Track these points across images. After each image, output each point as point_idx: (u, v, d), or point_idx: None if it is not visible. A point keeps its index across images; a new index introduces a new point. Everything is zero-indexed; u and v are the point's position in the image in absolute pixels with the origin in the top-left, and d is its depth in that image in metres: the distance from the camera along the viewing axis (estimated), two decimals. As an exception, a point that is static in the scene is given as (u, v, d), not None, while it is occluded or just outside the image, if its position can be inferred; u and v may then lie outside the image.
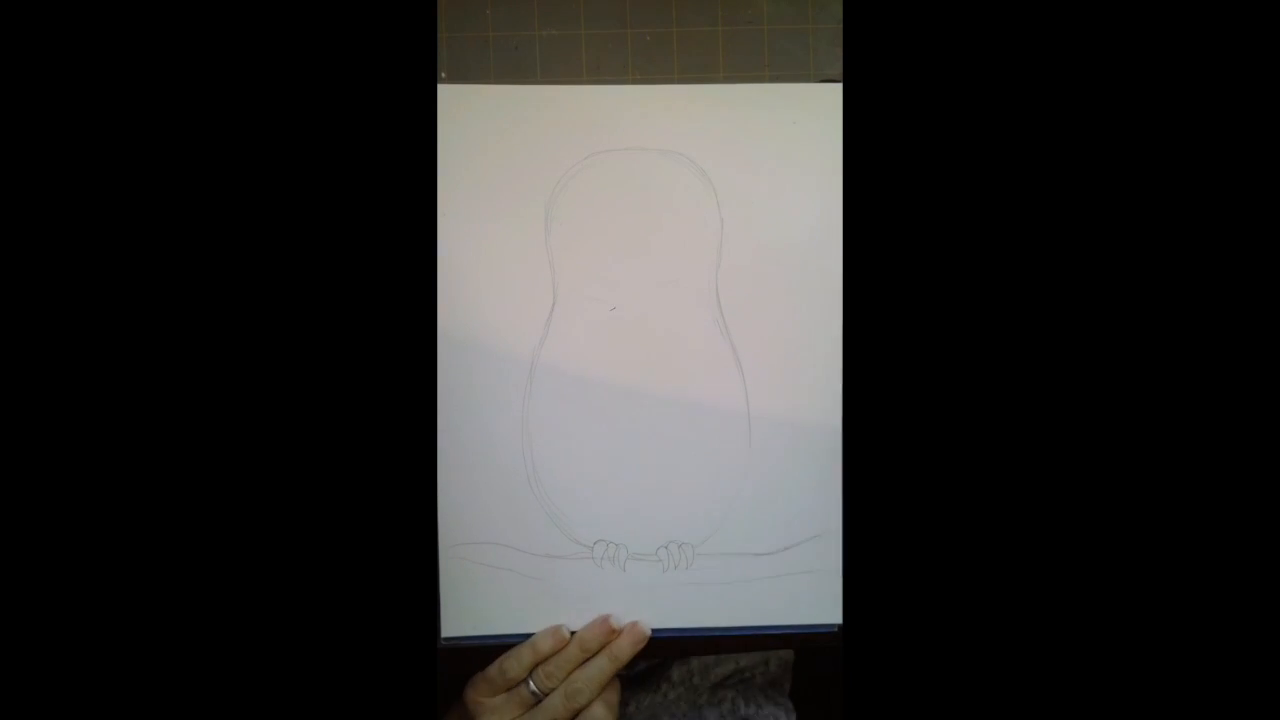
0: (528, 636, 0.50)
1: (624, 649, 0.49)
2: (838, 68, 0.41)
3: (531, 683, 0.48)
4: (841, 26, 0.38)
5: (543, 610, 0.50)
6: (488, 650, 0.50)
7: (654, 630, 0.50)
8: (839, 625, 0.48)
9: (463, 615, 0.50)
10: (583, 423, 0.49)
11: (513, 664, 0.48)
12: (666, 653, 0.53)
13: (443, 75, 0.47)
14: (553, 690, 0.48)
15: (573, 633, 0.49)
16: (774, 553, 0.50)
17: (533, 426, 0.49)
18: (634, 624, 0.49)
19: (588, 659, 0.48)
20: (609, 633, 0.49)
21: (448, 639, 0.50)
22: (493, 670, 0.49)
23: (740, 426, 0.49)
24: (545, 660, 0.48)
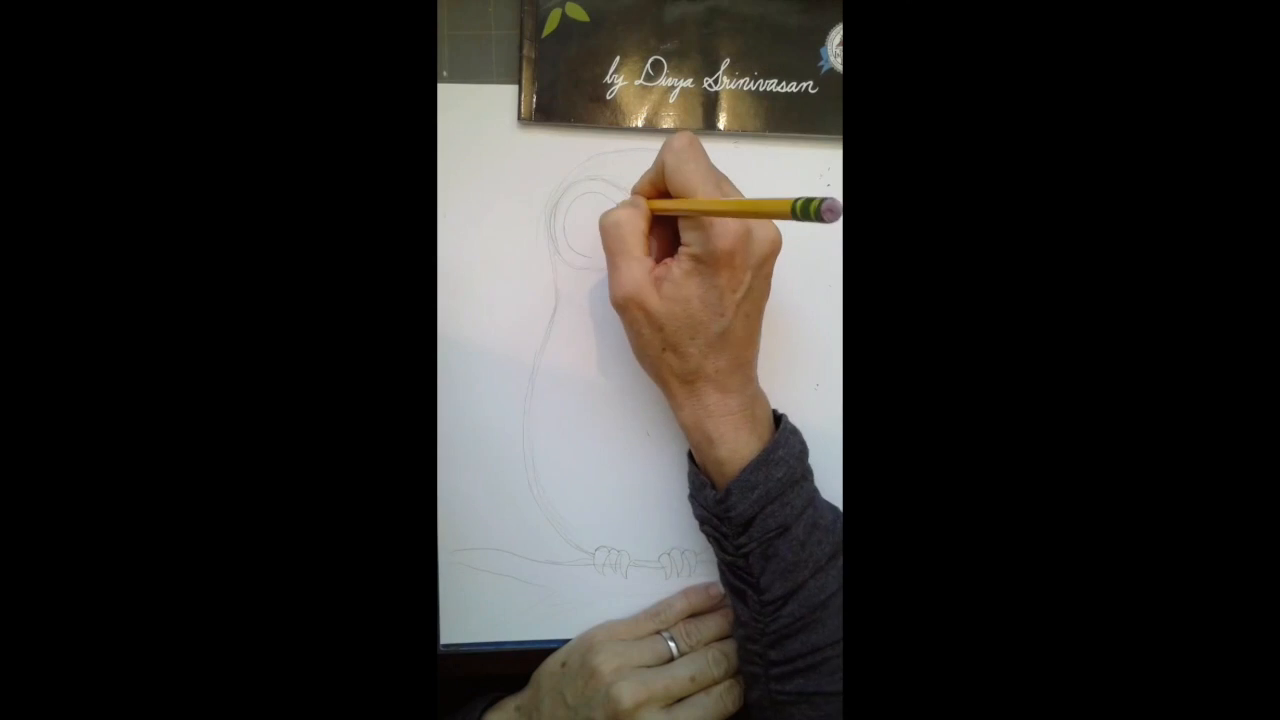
0: (527, 644, 0.49)
1: None
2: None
3: (671, 640, 0.47)
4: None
5: (543, 617, 0.49)
6: (487, 657, 0.49)
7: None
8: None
9: (462, 622, 0.49)
10: (585, 428, 0.49)
11: (664, 608, 0.49)
12: None
13: (444, 74, 0.46)
14: (692, 651, 0.47)
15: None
16: (778, 559, 0.49)
17: (534, 431, 0.49)
18: None
19: (729, 636, 0.48)
20: None
21: (447, 646, 0.49)
22: (637, 615, 0.49)
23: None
24: (689, 619, 0.49)
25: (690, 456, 0.46)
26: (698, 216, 0.39)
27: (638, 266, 0.41)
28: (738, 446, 0.42)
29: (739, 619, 0.45)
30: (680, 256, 0.40)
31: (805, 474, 0.44)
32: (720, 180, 0.41)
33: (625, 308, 0.42)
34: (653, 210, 0.42)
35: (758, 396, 0.44)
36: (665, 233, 0.43)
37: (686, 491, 0.49)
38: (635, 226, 0.41)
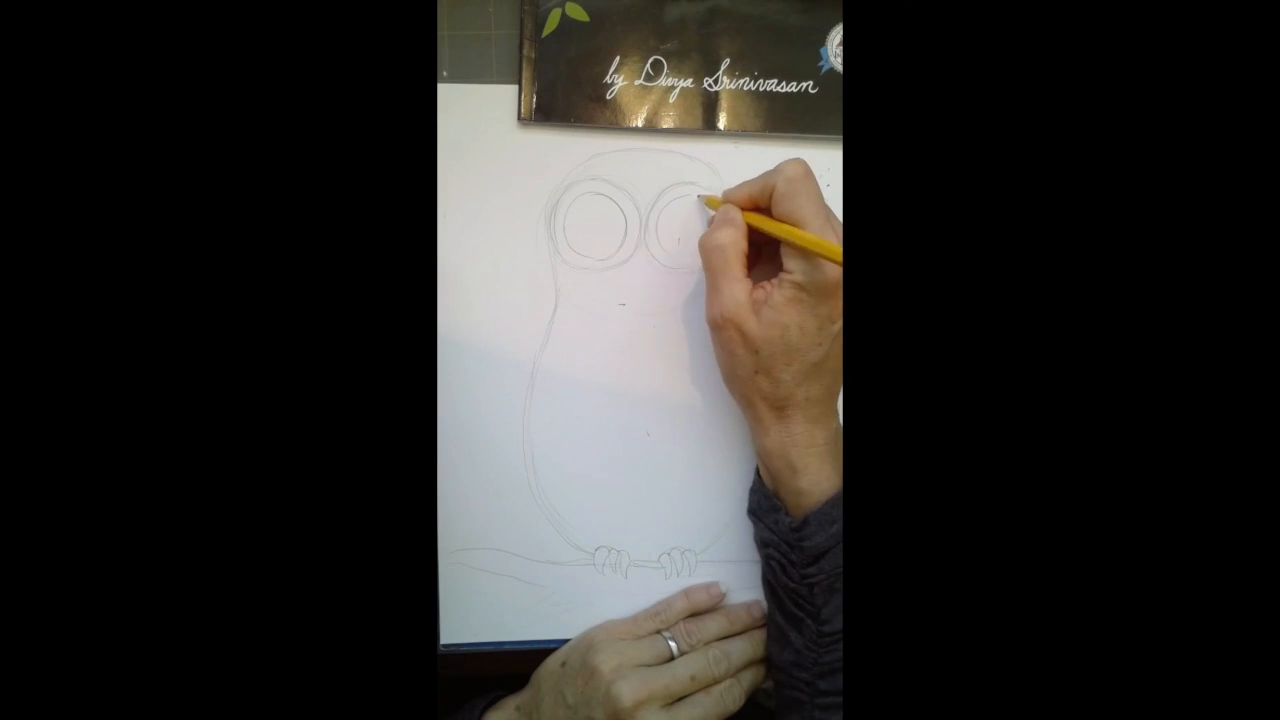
0: (527, 644, 0.49)
1: (763, 639, 0.48)
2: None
3: (671, 640, 0.47)
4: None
5: (543, 617, 0.49)
6: (487, 657, 0.49)
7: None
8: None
9: (462, 622, 0.49)
10: (585, 428, 0.49)
11: (664, 608, 0.49)
12: None
13: (444, 74, 0.46)
14: (692, 650, 0.47)
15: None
16: (778, 559, 0.49)
17: (534, 431, 0.49)
18: None
19: (729, 636, 0.48)
20: (758, 618, 0.49)
21: (447, 646, 0.49)
22: (637, 615, 0.49)
23: (744, 432, 0.49)
24: (689, 619, 0.49)
25: (758, 473, 0.46)
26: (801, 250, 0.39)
27: (739, 288, 0.41)
28: (820, 480, 0.43)
29: (789, 644, 0.45)
30: (783, 283, 0.41)
31: None
32: (829, 215, 0.41)
33: (722, 327, 0.42)
34: (748, 224, 0.42)
35: (840, 431, 0.44)
36: (755, 251, 0.43)
37: (687, 491, 0.49)
38: (739, 249, 0.42)
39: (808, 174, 0.41)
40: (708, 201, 0.47)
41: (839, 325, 0.41)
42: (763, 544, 0.46)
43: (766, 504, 0.45)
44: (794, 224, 0.40)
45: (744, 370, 0.42)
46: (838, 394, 0.43)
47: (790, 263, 0.40)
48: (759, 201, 0.42)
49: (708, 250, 0.42)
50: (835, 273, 0.39)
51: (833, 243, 0.39)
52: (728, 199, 0.44)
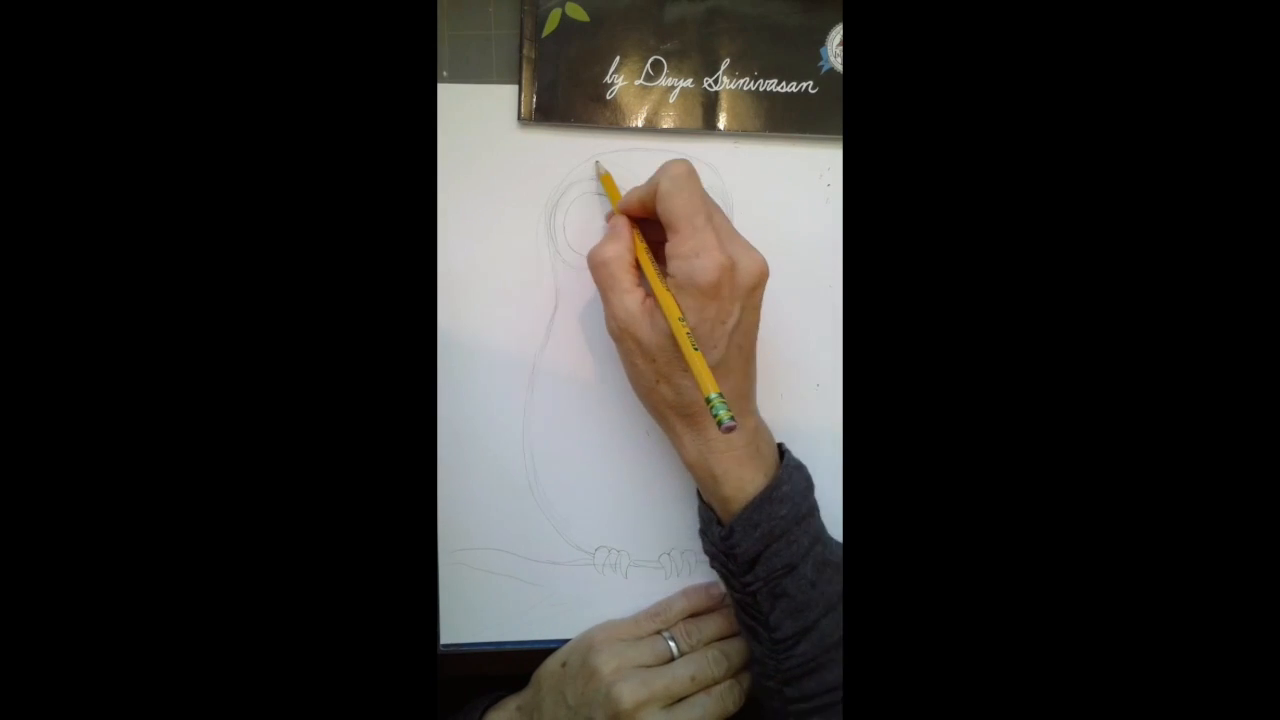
0: (527, 644, 0.49)
1: None
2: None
3: (671, 640, 0.47)
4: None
5: (543, 617, 0.49)
6: (487, 657, 0.49)
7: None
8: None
9: (462, 622, 0.49)
10: (585, 428, 0.49)
11: (664, 608, 0.49)
12: None
13: (444, 74, 0.46)
14: (692, 651, 0.47)
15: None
16: (778, 559, 0.49)
17: (534, 432, 0.49)
18: None
19: (729, 636, 0.48)
20: None
21: (447, 646, 0.49)
22: (638, 615, 0.49)
23: (744, 432, 0.49)
24: (689, 619, 0.49)
25: (699, 492, 0.46)
26: (680, 250, 0.39)
27: (630, 298, 0.41)
28: (743, 484, 0.42)
29: (754, 656, 0.45)
30: (669, 287, 0.40)
31: (811, 510, 0.43)
32: (713, 212, 0.41)
33: (620, 338, 0.42)
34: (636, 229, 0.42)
35: (760, 430, 0.44)
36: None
37: (687, 491, 0.49)
38: (624, 261, 0.42)
39: (690, 172, 0.40)
40: (603, 179, 0.47)
41: (729, 325, 0.40)
42: (710, 559, 0.46)
43: (704, 517, 0.45)
44: (670, 223, 0.40)
45: (647, 381, 0.42)
46: (745, 395, 0.43)
47: (672, 265, 0.40)
48: (648, 203, 0.42)
49: (595, 265, 0.42)
50: (713, 274, 0.39)
51: (695, 270, 0.39)
52: (621, 209, 0.44)
